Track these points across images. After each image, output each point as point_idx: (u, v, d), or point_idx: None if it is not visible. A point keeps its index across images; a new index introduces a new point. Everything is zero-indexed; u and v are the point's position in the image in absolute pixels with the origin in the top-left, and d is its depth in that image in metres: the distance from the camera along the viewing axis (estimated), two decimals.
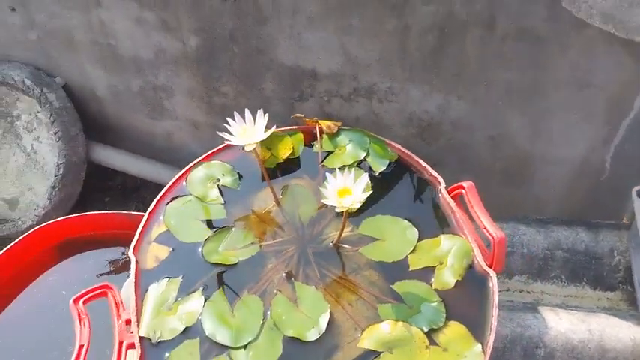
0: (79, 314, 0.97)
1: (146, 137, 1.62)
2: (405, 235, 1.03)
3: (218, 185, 1.13)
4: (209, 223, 1.07)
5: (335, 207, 0.93)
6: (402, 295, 0.96)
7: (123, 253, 1.35)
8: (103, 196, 1.77)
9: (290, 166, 1.17)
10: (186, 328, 0.94)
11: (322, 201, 0.94)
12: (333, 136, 1.20)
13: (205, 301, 0.96)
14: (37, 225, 1.41)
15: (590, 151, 1.29)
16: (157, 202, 1.09)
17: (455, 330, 0.92)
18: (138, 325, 0.94)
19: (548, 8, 1.08)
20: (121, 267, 1.33)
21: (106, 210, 1.64)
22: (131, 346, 0.94)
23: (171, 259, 1.03)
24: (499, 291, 0.95)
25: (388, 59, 1.24)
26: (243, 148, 1.03)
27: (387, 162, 1.16)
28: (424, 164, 1.13)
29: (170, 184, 1.12)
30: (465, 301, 0.96)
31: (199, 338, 0.93)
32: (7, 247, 1.30)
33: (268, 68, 1.35)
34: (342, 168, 1.10)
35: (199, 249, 1.03)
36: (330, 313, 0.94)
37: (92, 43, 1.45)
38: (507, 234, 1.23)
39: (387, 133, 1.30)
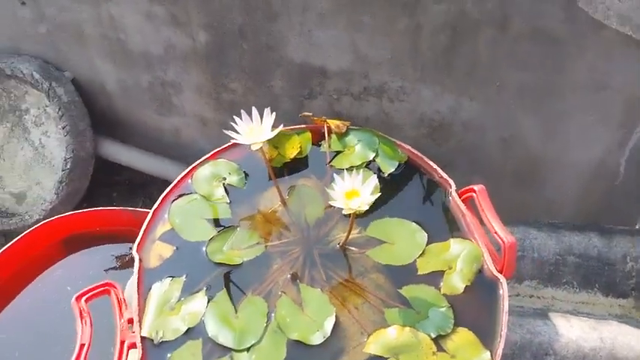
0: (80, 312, 0.94)
1: (154, 133, 1.60)
2: (414, 238, 1.01)
3: (224, 184, 1.10)
4: (214, 222, 1.05)
5: (342, 208, 0.90)
6: (410, 300, 0.94)
7: (130, 249, 1.33)
8: (110, 191, 1.75)
9: (297, 165, 1.14)
10: (188, 329, 0.91)
11: (329, 202, 0.91)
12: (341, 135, 1.17)
13: (209, 301, 0.94)
14: (43, 219, 1.39)
15: (604, 154, 1.26)
16: (161, 200, 1.06)
17: (463, 337, 0.89)
18: (140, 325, 0.92)
19: (564, 9, 1.05)
20: (126, 263, 1.31)
21: (113, 205, 1.63)
22: (133, 346, 0.92)
23: (175, 258, 1.00)
24: (508, 296, 0.92)
25: (399, 58, 1.21)
26: (250, 147, 1.00)
27: (397, 163, 1.12)
28: (434, 166, 1.10)
29: (175, 181, 1.09)
30: (474, 307, 0.93)
31: (202, 339, 0.90)
32: (12, 242, 1.28)
33: (278, 65, 1.32)
34: (350, 168, 1.08)
35: (204, 248, 1.01)
36: (336, 316, 0.92)
37: (101, 38, 1.43)
38: (518, 238, 1.20)
39: (397, 134, 1.27)
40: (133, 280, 0.96)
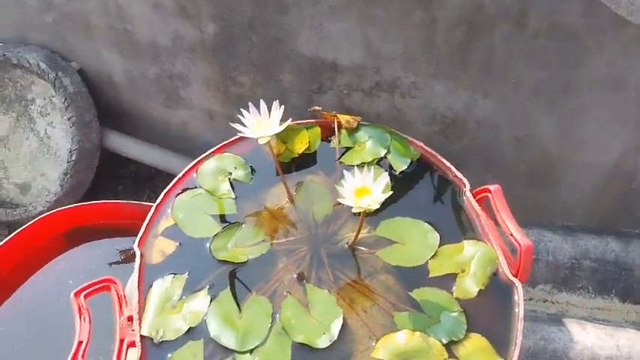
0: (79, 309, 0.90)
1: (161, 126, 1.55)
2: (426, 239, 0.96)
3: (229, 179, 1.05)
4: (218, 218, 1.00)
5: (351, 207, 0.85)
6: (421, 304, 0.89)
7: (133, 243, 1.29)
8: (116, 184, 1.70)
9: (306, 161, 1.09)
10: (190, 329, 0.87)
11: (338, 200, 0.86)
12: (352, 131, 1.12)
13: (211, 300, 0.89)
14: (47, 211, 1.36)
15: (621, 155, 1.21)
16: (165, 194, 1.02)
17: (476, 343, 0.85)
18: (140, 324, 0.87)
19: (585, 4, 1.01)
20: (129, 258, 1.26)
21: (119, 198, 1.59)
22: (132, 344, 0.87)
23: (178, 254, 0.95)
24: None
25: (413, 53, 1.17)
26: (257, 141, 0.96)
27: (409, 160, 1.07)
28: (448, 164, 1.05)
29: (180, 175, 1.05)
30: (488, 313, 0.88)
31: (203, 340, 0.86)
32: (14, 233, 1.24)
33: (287, 59, 1.28)
34: (360, 165, 1.03)
35: (207, 245, 0.96)
36: (343, 319, 0.87)
37: (108, 28, 1.39)
38: (532, 241, 1.14)
39: (409, 130, 1.23)
40: (134, 277, 0.91)
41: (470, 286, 0.90)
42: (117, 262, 1.26)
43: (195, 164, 1.06)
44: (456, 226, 0.98)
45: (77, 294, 0.91)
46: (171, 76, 1.43)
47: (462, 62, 1.15)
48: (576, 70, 1.10)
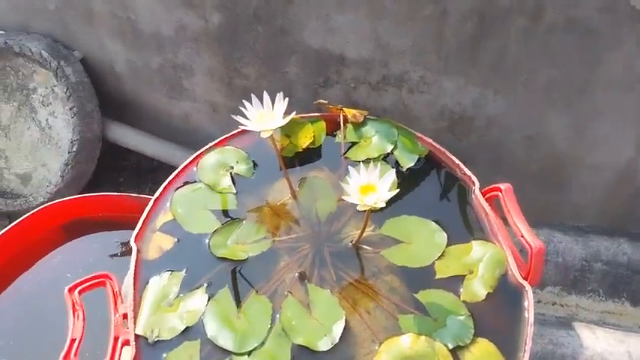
0: (73, 305, 0.86)
1: (163, 117, 1.51)
2: (433, 238, 0.91)
3: (231, 173, 1.01)
4: (218, 214, 0.96)
5: (356, 204, 0.81)
6: (426, 306, 0.84)
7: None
8: (118, 175, 1.66)
9: (310, 156, 1.04)
10: (186, 328, 0.83)
11: (343, 197, 0.82)
12: (358, 125, 1.08)
13: (209, 299, 0.85)
14: (48, 202, 1.32)
15: (633, 156, 1.17)
16: (164, 188, 0.97)
17: (483, 348, 0.80)
18: (134, 322, 0.83)
19: None
20: (128, 252, 1.21)
21: (120, 190, 1.55)
22: (127, 342, 0.83)
23: (176, 250, 0.91)
24: None
25: (422, 47, 1.13)
26: (259, 134, 0.91)
27: (416, 157, 1.03)
28: (457, 161, 1.01)
29: (180, 169, 1.00)
30: (496, 317, 0.84)
31: (200, 340, 0.82)
32: (12, 225, 1.20)
33: (293, 51, 1.23)
34: (366, 161, 0.99)
35: (206, 241, 0.92)
36: (346, 321, 0.83)
37: (111, 16, 1.34)
38: (541, 240, 1.10)
39: (416, 126, 1.19)
40: (130, 273, 0.87)
41: (478, 288, 0.85)
42: (115, 256, 1.22)
43: (195, 157, 1.02)
44: (464, 226, 0.94)
45: (71, 290, 0.87)
46: (174, 66, 1.38)
47: (472, 57, 1.11)
48: (592, 67, 1.06)
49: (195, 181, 1.00)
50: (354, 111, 1.08)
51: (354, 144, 1.06)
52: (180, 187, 0.99)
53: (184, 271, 0.89)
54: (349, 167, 0.84)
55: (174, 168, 1.03)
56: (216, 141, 1.04)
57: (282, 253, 0.91)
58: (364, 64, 1.20)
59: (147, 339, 0.82)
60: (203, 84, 1.39)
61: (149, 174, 1.65)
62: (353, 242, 0.91)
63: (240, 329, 0.82)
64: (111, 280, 0.89)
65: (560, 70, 1.08)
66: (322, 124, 1.08)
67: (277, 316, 0.83)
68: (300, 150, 1.04)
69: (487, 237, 0.91)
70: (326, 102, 1.10)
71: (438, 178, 1.01)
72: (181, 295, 0.86)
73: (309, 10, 1.14)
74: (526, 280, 0.85)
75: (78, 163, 1.45)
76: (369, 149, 1.04)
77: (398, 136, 1.05)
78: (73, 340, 0.83)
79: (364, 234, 0.90)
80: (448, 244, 0.90)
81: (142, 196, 1.23)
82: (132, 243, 0.90)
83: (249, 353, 0.80)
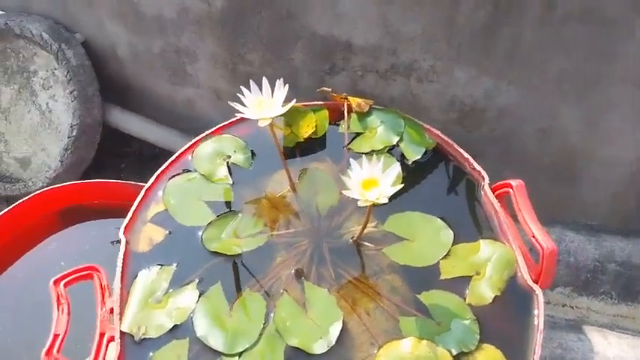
0: (58, 298, 0.81)
1: (166, 103, 1.45)
2: (438, 236, 0.85)
3: (228, 162, 0.95)
4: (213, 206, 0.89)
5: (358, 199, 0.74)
6: (429, 308, 0.78)
7: None
8: (119, 162, 1.60)
9: (311, 146, 0.98)
10: (175, 326, 0.77)
11: (343, 192, 0.76)
12: (363, 115, 1.01)
13: (200, 296, 0.79)
14: (47, 187, 1.26)
15: None
16: (156, 177, 0.92)
17: (489, 355, 0.74)
18: (120, 318, 0.77)
19: None
20: None
21: (121, 177, 1.50)
22: (114, 339, 0.78)
23: (167, 243, 0.85)
24: None
25: (433, 34, 1.06)
26: (258, 123, 0.85)
27: (423, 150, 0.96)
28: (466, 155, 0.94)
29: (174, 157, 0.94)
30: (504, 321, 0.78)
31: (189, 339, 0.76)
32: (6, 210, 1.15)
33: (299, 36, 1.17)
34: (370, 153, 0.92)
35: (199, 234, 0.86)
36: (343, 322, 0.77)
37: None
38: (552, 240, 1.03)
39: (424, 117, 1.13)
40: (118, 266, 0.81)
41: (485, 291, 0.79)
42: (112, 244, 1.16)
43: (191, 145, 0.96)
44: (472, 224, 0.87)
45: (57, 282, 0.82)
46: (177, 50, 1.32)
47: (485, 46, 1.04)
48: (606, 59, 0.99)
49: (190, 171, 0.94)
50: (359, 100, 1.01)
51: (358, 134, 1.00)
52: (174, 176, 0.93)
53: (175, 265, 0.83)
54: (351, 160, 0.77)
55: None
56: (213, 129, 0.98)
57: (279, 248, 0.85)
58: (372, 52, 1.13)
59: (133, 337, 0.76)
60: (206, 70, 1.33)
61: (151, 161, 1.59)
62: (354, 238, 0.85)
63: (232, 328, 0.77)
64: (99, 272, 0.84)
65: (575, 61, 1.01)
66: (325, 113, 1.01)
67: (271, 315, 0.78)
68: (302, 140, 0.98)
69: (496, 236, 0.85)
70: (329, 90, 1.03)
71: (445, 172, 0.94)
72: (171, 290, 0.81)
73: None
74: (536, 283, 0.78)
75: (77, 148, 1.39)
76: (373, 140, 0.98)
77: (404, 127, 0.99)
78: (56, 336, 0.78)
79: (366, 230, 0.83)
80: (454, 243, 0.84)
81: (139, 184, 1.16)
82: (120, 234, 0.84)
83: (239, 354, 0.75)
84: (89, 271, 0.84)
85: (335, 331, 0.76)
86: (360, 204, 0.74)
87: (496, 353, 0.74)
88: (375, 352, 0.74)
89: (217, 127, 0.98)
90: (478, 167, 0.91)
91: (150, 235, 0.86)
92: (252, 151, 0.97)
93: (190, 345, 0.75)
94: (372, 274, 0.82)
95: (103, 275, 0.84)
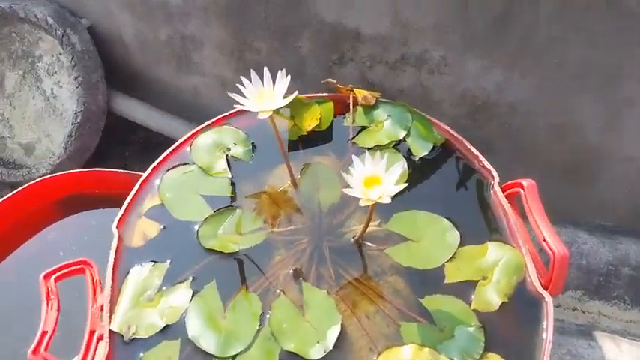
0: (47, 293, 0.77)
1: (171, 91, 1.41)
2: (444, 237, 0.79)
3: (227, 155, 0.90)
4: (210, 200, 0.85)
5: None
6: (432, 313, 0.73)
7: None
8: (124, 150, 1.56)
9: (315, 139, 0.92)
10: (166, 326, 0.73)
11: (344, 190, 0.71)
12: (369, 108, 0.96)
13: (193, 295, 0.75)
14: (51, 174, 1.23)
15: None
16: (152, 169, 0.87)
17: None
18: (110, 316, 0.73)
19: None
20: None
21: (126, 166, 1.46)
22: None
23: (161, 239, 0.81)
24: None
25: (445, 24, 1.02)
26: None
27: (431, 146, 0.90)
28: (476, 152, 0.88)
29: (172, 149, 0.90)
30: (510, 329, 0.73)
31: (180, 340, 0.72)
32: (6, 197, 1.12)
33: (306, 24, 1.12)
34: (375, 148, 0.87)
35: (195, 230, 0.81)
36: (342, 326, 0.72)
37: None
38: (564, 241, 0.98)
39: (434, 110, 1.08)
40: (109, 262, 0.77)
41: (491, 296, 0.74)
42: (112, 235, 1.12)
43: (189, 137, 0.91)
44: (480, 225, 0.82)
45: (47, 276, 0.78)
46: (183, 37, 1.28)
47: (499, 37, 0.99)
48: (629, 52, 0.94)
49: (188, 163, 0.89)
50: (365, 92, 0.96)
51: (363, 128, 0.94)
52: (172, 169, 0.88)
53: (168, 262, 0.78)
54: (353, 156, 0.72)
55: None
56: (212, 120, 0.93)
57: (277, 246, 0.81)
58: (382, 41, 1.08)
59: (122, 336, 0.72)
60: (212, 58, 1.29)
61: (157, 149, 1.53)
62: (355, 237, 0.80)
63: (225, 330, 0.72)
64: (91, 267, 0.80)
65: (595, 55, 0.96)
66: (330, 106, 0.96)
67: (267, 316, 0.73)
68: (305, 133, 0.93)
69: (505, 238, 0.80)
70: (334, 81, 0.98)
71: (453, 170, 0.89)
72: (164, 288, 0.76)
73: None
74: (546, 289, 0.73)
75: (81, 135, 1.35)
76: (379, 135, 0.92)
77: (412, 121, 0.93)
78: (44, 333, 0.74)
79: (368, 229, 0.79)
80: (460, 245, 0.79)
81: (140, 174, 1.13)
82: (113, 229, 0.80)
83: (232, 357, 0.70)
84: (81, 266, 0.79)
85: (333, 335, 0.71)
86: (361, 204, 0.69)
87: None
88: (374, 358, 0.70)
89: (217, 117, 0.94)
90: (488, 165, 0.86)
91: (144, 229, 0.81)
92: (253, 143, 0.92)
93: (182, 346, 0.71)
94: (374, 276, 0.77)
95: (96, 270, 0.80)
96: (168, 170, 0.88)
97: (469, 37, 1.01)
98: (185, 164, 0.89)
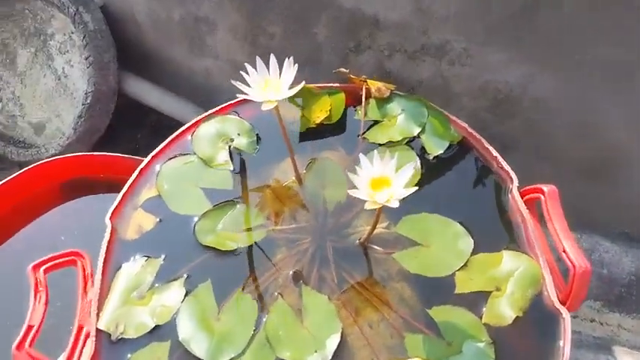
0: (36, 285, 0.72)
1: (183, 73, 1.35)
2: (456, 243, 0.73)
3: (230, 146, 0.84)
4: (210, 193, 0.79)
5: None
6: (440, 326, 0.67)
7: None
8: (135, 132, 1.51)
9: (323, 133, 0.86)
10: (156, 327, 0.68)
11: (349, 191, 0.65)
12: (382, 101, 0.89)
13: (186, 294, 0.70)
14: (60, 154, 1.19)
15: None
16: (151, 158, 0.82)
17: None
18: (98, 313, 0.69)
19: None
20: None
21: (136, 149, 1.42)
22: None
23: (156, 232, 0.75)
24: None
25: (468, 14, 0.94)
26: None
27: (447, 144, 0.84)
28: (495, 153, 0.81)
29: (172, 137, 0.84)
30: (524, 347, 0.67)
31: (170, 342, 0.67)
32: (8, 178, 1.08)
33: (323, 8, 1.05)
34: (386, 145, 0.81)
35: (192, 225, 0.76)
36: (342, 334, 0.66)
37: None
38: (584, 249, 0.91)
39: (454, 103, 1.00)
40: (100, 255, 0.72)
41: (504, 310, 0.68)
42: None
43: (191, 125, 0.85)
44: (496, 232, 0.75)
45: (35, 268, 0.73)
46: (196, 19, 1.22)
47: (523, 29, 0.92)
48: None
49: (189, 153, 0.83)
50: (379, 84, 0.89)
51: (376, 123, 0.88)
52: (172, 158, 0.82)
53: (162, 257, 0.73)
54: (360, 155, 0.66)
55: None
56: (217, 108, 0.87)
57: (279, 244, 0.75)
58: (401, 30, 1.01)
59: (110, 335, 0.67)
60: (226, 41, 1.22)
61: (168, 133, 1.49)
62: (361, 240, 0.74)
63: (218, 333, 0.67)
64: (82, 258, 0.75)
65: (623, 50, 0.89)
66: (342, 97, 0.89)
67: (263, 320, 0.68)
68: (314, 125, 0.86)
69: (522, 247, 0.73)
70: (347, 71, 0.91)
71: (469, 170, 0.82)
72: (156, 285, 0.71)
73: None
74: (564, 305, 0.67)
75: (91, 116, 1.30)
76: (392, 130, 0.85)
77: (428, 117, 0.86)
78: (30, 327, 0.69)
79: (376, 231, 0.72)
80: (474, 252, 0.72)
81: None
82: (107, 220, 0.75)
83: None
84: (72, 257, 0.75)
85: (332, 344, 0.65)
86: (367, 207, 0.63)
87: None
88: None
89: (221, 106, 0.88)
90: (507, 167, 0.79)
91: (139, 221, 0.76)
92: (257, 134, 0.86)
93: (171, 349, 0.66)
94: (379, 282, 0.71)
95: (88, 262, 0.75)
96: (168, 160, 0.82)
97: (493, 28, 0.94)
98: (186, 154, 0.83)
